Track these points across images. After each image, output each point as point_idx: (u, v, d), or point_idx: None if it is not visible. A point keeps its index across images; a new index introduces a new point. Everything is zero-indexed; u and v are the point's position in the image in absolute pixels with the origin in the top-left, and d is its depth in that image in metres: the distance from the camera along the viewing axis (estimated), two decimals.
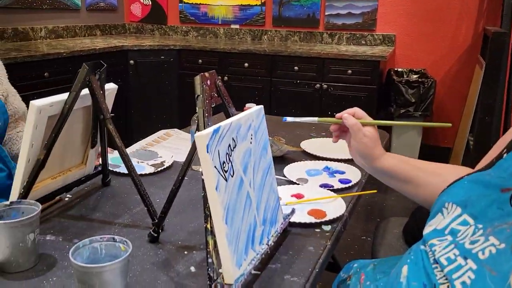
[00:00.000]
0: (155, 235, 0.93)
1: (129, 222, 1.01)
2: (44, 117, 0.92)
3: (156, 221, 0.93)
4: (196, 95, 0.80)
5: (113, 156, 1.35)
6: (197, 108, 0.80)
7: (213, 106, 0.83)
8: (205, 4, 4.09)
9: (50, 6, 3.54)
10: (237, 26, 4.06)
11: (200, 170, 1.40)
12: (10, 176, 1.21)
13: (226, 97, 0.89)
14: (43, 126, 0.93)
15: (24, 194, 0.94)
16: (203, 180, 0.72)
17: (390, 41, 3.61)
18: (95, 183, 1.21)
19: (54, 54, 2.79)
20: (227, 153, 0.75)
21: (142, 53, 3.47)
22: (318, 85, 3.23)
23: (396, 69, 3.53)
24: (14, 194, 0.95)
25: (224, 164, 0.74)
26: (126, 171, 1.26)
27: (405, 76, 3.48)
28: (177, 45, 3.57)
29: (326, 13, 3.72)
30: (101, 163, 1.20)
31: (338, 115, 0.96)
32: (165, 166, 1.32)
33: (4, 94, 1.30)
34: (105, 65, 1.02)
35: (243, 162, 0.80)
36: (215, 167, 0.71)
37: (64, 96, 0.95)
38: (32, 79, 2.66)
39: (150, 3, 4.27)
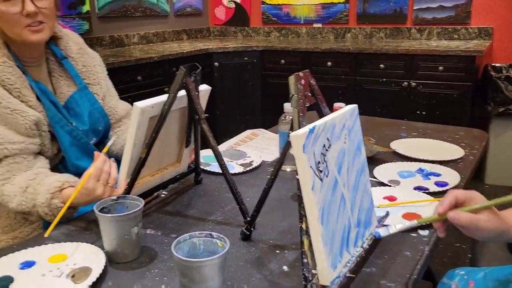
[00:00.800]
0: (248, 233, 0.94)
1: (222, 220, 1.04)
2: (146, 118, 0.98)
3: (249, 219, 0.94)
4: (290, 95, 0.80)
5: (204, 155, 1.39)
6: (291, 108, 0.80)
7: (307, 106, 0.83)
8: (287, 4, 4.10)
9: (142, 13, 3.77)
10: (319, 25, 4.02)
11: (288, 170, 1.39)
12: None
13: (320, 97, 0.88)
14: (145, 126, 0.99)
15: (128, 190, 1.01)
16: (298, 180, 0.71)
17: (487, 34, 3.35)
18: (188, 181, 1.26)
19: (146, 58, 2.96)
20: (322, 153, 0.74)
21: (226, 55, 3.56)
22: (406, 83, 3.09)
23: (493, 64, 3.26)
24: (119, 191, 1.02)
25: (319, 164, 0.73)
26: (216, 170, 1.30)
27: (504, 71, 3.20)
28: (259, 46, 3.62)
29: (415, 8, 3.55)
30: (194, 161, 1.25)
31: (439, 210, 0.78)
32: (253, 166, 1.34)
33: (102, 97, 1.32)
34: (200, 67, 1.05)
35: (337, 163, 0.79)
36: (310, 167, 0.70)
37: (163, 97, 1.00)
38: (127, 82, 2.84)
39: (234, 6, 4.38)
